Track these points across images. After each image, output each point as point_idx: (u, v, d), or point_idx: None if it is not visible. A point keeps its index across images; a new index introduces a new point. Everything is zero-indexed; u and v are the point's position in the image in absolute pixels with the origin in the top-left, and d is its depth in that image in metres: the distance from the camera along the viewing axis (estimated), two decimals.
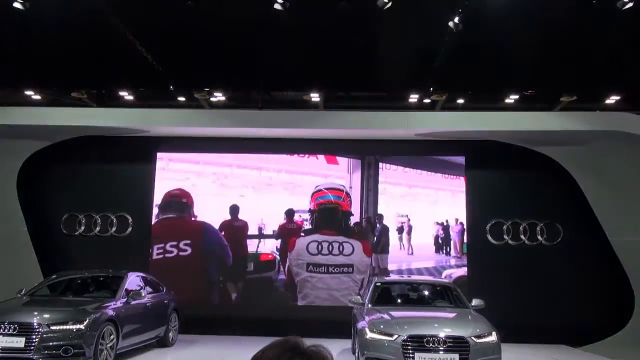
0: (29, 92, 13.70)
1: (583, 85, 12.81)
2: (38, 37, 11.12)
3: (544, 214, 12.62)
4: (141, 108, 13.30)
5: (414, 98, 13.51)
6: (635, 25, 10.59)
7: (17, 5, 9.19)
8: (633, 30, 10.78)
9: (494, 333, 7.68)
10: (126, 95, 13.83)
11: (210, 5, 10.11)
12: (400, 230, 13.03)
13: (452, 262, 12.90)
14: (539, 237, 12.57)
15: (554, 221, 12.57)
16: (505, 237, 12.66)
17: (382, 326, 7.82)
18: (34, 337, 7.64)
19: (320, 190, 13.00)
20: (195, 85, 13.36)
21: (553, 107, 13.59)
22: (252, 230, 13.09)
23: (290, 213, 13.01)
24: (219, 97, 13.71)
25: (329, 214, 12.91)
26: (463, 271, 12.67)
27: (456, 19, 10.16)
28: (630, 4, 9.63)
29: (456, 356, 7.31)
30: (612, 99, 13.29)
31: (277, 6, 9.46)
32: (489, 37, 10.95)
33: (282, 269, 12.84)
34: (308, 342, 1.63)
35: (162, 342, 10.33)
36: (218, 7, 10.28)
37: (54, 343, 7.68)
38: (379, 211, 13.01)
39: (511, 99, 13.41)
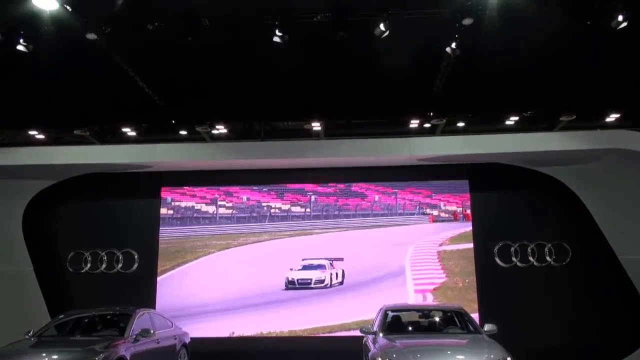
0: (32, 132, 13.79)
1: (582, 104, 12.88)
2: (40, 77, 11.24)
3: (552, 235, 12.57)
4: (144, 144, 13.37)
5: (414, 123, 13.58)
6: (630, 43, 10.72)
7: (20, 47, 9.33)
8: (628, 49, 10.91)
9: (508, 358, 7.56)
10: (129, 132, 13.91)
11: (210, 40, 10.25)
12: None
13: None
14: (548, 258, 12.49)
15: (561, 241, 12.50)
16: (514, 259, 12.57)
17: (394, 355, 7.69)
18: None
19: None
20: (196, 118, 13.45)
21: (553, 127, 13.66)
22: None
23: None
24: (220, 129, 13.80)
25: None
26: None
27: (453, 45, 10.29)
28: (625, 24, 9.77)
29: None
30: (611, 117, 13.36)
31: (276, 39, 9.59)
32: (487, 60, 11.06)
33: None
34: None
35: None
36: (217, 40, 10.42)
37: None
38: None
39: (511, 120, 13.47)
